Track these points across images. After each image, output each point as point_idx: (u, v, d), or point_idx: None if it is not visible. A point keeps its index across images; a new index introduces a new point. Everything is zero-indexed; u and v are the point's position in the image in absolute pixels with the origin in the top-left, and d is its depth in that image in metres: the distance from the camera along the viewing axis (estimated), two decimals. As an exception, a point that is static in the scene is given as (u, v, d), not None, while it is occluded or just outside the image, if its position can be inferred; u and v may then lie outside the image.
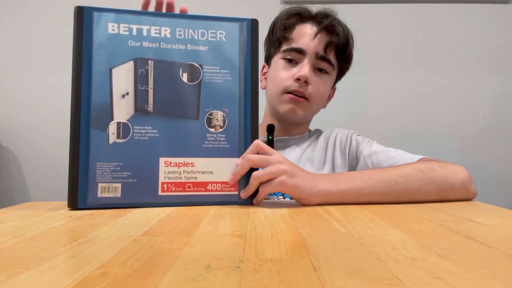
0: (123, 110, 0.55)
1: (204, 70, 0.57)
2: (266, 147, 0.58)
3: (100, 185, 0.53)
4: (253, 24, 0.60)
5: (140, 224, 0.43)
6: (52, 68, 1.49)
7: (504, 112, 1.49)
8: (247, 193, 0.56)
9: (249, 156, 0.56)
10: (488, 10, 1.48)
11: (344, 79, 0.96)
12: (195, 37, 0.58)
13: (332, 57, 0.85)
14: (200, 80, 0.57)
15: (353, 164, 0.86)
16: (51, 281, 0.24)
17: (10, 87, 1.52)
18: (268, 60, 0.93)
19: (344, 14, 0.87)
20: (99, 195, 0.53)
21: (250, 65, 0.59)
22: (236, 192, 0.57)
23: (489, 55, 1.49)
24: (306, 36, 0.83)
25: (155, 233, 0.38)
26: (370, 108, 1.50)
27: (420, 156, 0.75)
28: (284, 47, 0.85)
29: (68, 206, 0.53)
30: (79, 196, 0.53)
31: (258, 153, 0.57)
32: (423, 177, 0.61)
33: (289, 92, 0.83)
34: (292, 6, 0.88)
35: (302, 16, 0.86)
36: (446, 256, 0.30)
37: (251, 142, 0.58)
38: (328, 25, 0.83)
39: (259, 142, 0.57)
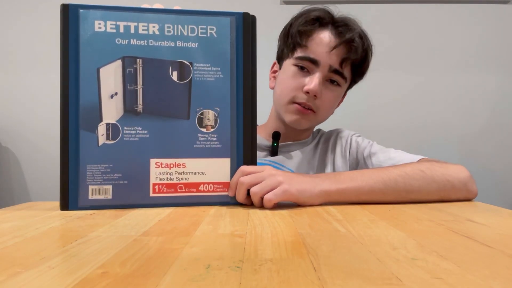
0: (112, 110, 0.54)
1: (195, 68, 0.56)
2: (252, 169, 0.56)
3: (90, 187, 0.53)
4: (246, 19, 0.57)
5: (140, 224, 0.43)
6: (52, 67, 1.49)
7: (504, 112, 1.49)
8: (236, 198, 0.56)
9: (241, 180, 0.55)
10: (488, 10, 1.48)
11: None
12: (185, 33, 0.56)
13: (346, 71, 0.81)
14: (191, 78, 0.56)
15: (353, 165, 0.86)
16: (51, 281, 0.24)
17: (11, 87, 1.52)
18: (280, 59, 0.89)
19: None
20: (90, 197, 0.53)
21: (243, 62, 0.57)
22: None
23: (489, 55, 1.48)
24: (323, 46, 0.78)
25: (155, 233, 0.38)
26: (370, 108, 1.50)
27: (420, 156, 0.75)
28: (298, 54, 0.80)
29: (60, 209, 0.53)
30: (70, 199, 0.53)
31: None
32: (423, 177, 0.60)
33: (296, 102, 0.80)
34: (313, 7, 0.83)
35: (321, 22, 0.81)
36: (446, 256, 0.30)
37: (246, 141, 0.57)
38: (349, 39, 0.78)
39: (243, 168, 0.56)
